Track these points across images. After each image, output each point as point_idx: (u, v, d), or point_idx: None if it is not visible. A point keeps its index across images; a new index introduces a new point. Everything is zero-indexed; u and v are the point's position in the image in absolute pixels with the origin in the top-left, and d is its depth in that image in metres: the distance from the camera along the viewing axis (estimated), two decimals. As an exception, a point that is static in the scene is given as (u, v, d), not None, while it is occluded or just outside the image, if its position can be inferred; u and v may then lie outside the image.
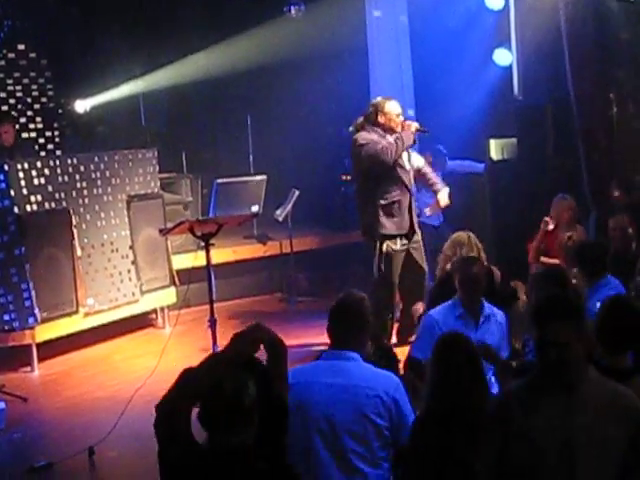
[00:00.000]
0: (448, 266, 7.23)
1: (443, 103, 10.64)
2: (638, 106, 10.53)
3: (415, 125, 8.42)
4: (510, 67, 10.73)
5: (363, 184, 8.56)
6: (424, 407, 4.79)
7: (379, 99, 8.57)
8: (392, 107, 8.43)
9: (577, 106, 10.26)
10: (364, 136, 8.36)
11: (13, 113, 12.36)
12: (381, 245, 8.41)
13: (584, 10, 10.13)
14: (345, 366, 4.63)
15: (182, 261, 10.56)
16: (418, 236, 8.66)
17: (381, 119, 8.38)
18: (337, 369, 4.63)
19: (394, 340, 8.64)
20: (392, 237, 8.44)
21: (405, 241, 8.52)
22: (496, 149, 11.15)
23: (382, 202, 8.38)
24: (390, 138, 8.35)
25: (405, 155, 8.48)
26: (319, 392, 4.51)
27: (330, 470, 4.53)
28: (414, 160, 8.70)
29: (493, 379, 5.98)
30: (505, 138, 11.07)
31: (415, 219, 8.61)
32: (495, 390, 5.53)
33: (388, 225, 8.41)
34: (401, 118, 8.45)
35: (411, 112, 11.00)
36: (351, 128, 8.56)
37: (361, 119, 8.51)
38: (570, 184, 10.14)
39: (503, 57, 10.71)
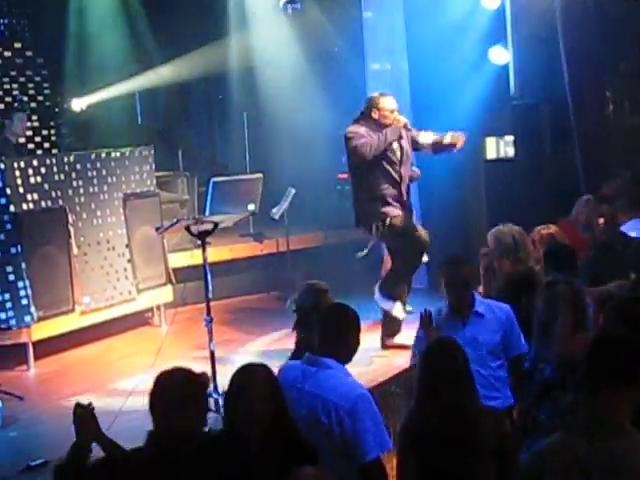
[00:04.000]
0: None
1: (439, 102, 10.62)
2: (634, 104, 10.55)
3: (404, 121, 8.42)
4: (506, 66, 10.74)
5: (354, 175, 8.58)
6: (409, 415, 4.81)
7: (375, 94, 8.58)
8: (386, 103, 8.41)
9: (573, 104, 10.27)
10: (351, 129, 8.36)
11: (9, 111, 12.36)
12: (384, 223, 8.30)
13: (580, 8, 10.15)
14: (316, 373, 4.75)
15: (178, 259, 10.57)
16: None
17: (375, 114, 8.38)
18: (308, 374, 4.78)
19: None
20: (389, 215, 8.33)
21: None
22: (492, 148, 11.16)
23: (371, 196, 8.36)
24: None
25: (396, 146, 8.41)
26: (288, 393, 4.48)
27: None
28: (422, 138, 8.63)
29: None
30: (501, 137, 11.08)
31: (413, 211, 8.59)
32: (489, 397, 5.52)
33: (382, 209, 8.31)
34: (395, 114, 8.44)
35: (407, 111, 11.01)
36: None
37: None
38: (566, 182, 10.16)
39: (499, 56, 10.71)
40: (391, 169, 8.37)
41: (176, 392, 3.99)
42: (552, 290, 5.49)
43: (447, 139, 8.49)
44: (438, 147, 8.58)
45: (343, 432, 4.56)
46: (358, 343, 4.96)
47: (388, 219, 8.27)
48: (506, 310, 6.20)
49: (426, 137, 8.63)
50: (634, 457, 3.43)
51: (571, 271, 6.54)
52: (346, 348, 4.88)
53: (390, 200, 8.31)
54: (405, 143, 8.47)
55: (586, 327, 5.35)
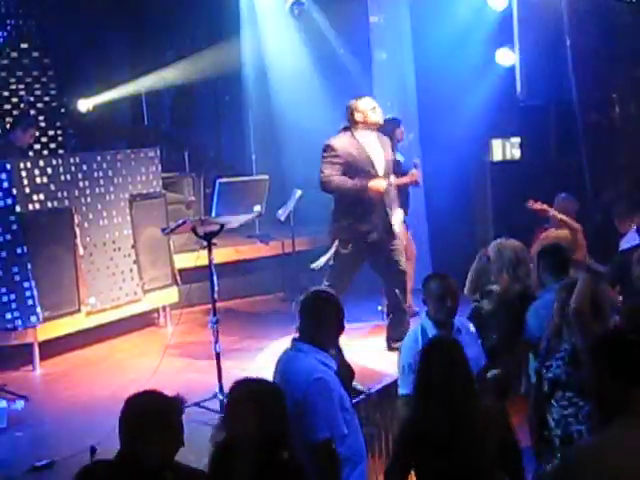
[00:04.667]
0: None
1: (446, 104, 10.63)
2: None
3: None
4: (513, 68, 10.72)
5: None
6: (409, 414, 4.82)
7: (352, 100, 8.56)
8: (365, 103, 8.45)
9: (580, 106, 10.26)
10: (331, 143, 8.38)
11: (15, 112, 12.37)
12: (334, 244, 8.48)
13: (587, 10, 10.13)
14: (292, 357, 5.16)
15: (184, 260, 10.56)
16: (395, 241, 8.58)
17: (358, 117, 8.41)
18: (287, 358, 5.20)
19: (384, 346, 8.65)
20: (344, 240, 8.43)
21: (365, 247, 8.45)
22: (499, 149, 11.16)
23: (347, 205, 8.41)
24: (367, 138, 8.38)
25: (380, 158, 8.46)
26: (275, 378, 5.09)
27: None
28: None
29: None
30: (508, 138, 11.08)
31: (395, 224, 8.57)
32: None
33: (343, 226, 8.43)
34: (378, 111, 8.45)
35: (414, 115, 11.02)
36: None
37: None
38: (573, 184, 10.15)
39: (506, 58, 10.70)
40: (368, 180, 8.35)
41: (141, 419, 3.92)
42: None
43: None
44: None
45: (298, 412, 4.76)
46: (333, 328, 5.23)
47: (335, 245, 8.44)
48: (468, 323, 6.30)
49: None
50: None
51: (564, 273, 6.58)
52: (318, 333, 5.16)
53: (354, 216, 8.38)
54: (387, 155, 8.56)
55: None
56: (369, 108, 8.43)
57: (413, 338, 6.11)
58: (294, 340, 5.23)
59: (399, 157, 9.65)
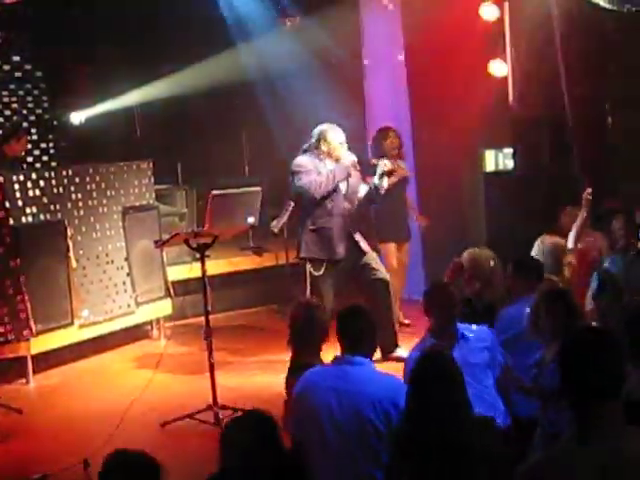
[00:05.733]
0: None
1: (438, 114, 10.64)
2: (633, 116, 10.55)
3: (352, 159, 8.51)
4: (505, 78, 10.74)
5: (296, 207, 8.70)
6: (402, 422, 4.81)
7: (324, 126, 8.63)
8: (334, 136, 8.54)
9: (572, 116, 10.27)
10: (299, 162, 8.51)
11: (7, 124, 12.35)
12: (305, 268, 8.53)
13: (578, 20, 10.15)
14: (350, 370, 4.93)
15: (177, 272, 10.56)
16: (367, 255, 8.68)
17: (324, 147, 8.53)
18: (342, 373, 4.93)
19: (378, 356, 8.63)
20: (316, 261, 8.49)
21: (337, 266, 8.52)
22: (491, 160, 11.16)
23: (311, 227, 8.51)
24: (328, 164, 8.46)
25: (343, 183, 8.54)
26: (324, 396, 4.80)
27: (342, 473, 4.75)
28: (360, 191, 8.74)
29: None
30: (500, 149, 11.09)
31: (361, 242, 8.65)
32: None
33: (312, 249, 8.50)
34: (344, 147, 8.55)
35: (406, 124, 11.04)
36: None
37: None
38: (565, 195, 10.15)
39: (498, 68, 10.72)
40: (334, 202, 8.48)
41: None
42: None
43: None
44: (375, 191, 8.65)
45: (390, 425, 4.70)
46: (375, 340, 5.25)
47: (307, 268, 8.47)
48: (486, 330, 6.17)
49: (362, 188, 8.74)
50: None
51: (537, 282, 6.62)
52: (370, 345, 5.14)
53: (323, 238, 8.46)
54: (353, 180, 8.61)
55: None
56: (337, 142, 8.53)
57: (419, 349, 6.09)
58: (341, 355, 5.12)
59: (402, 164, 9.76)
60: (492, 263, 7.25)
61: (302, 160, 8.52)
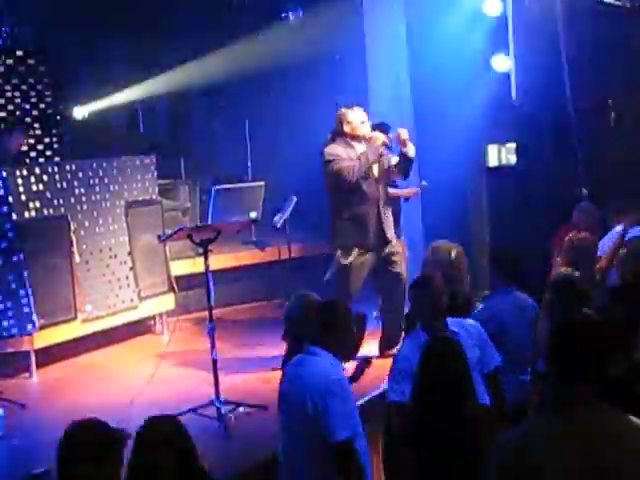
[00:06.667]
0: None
1: (441, 109, 10.63)
2: (636, 112, 10.55)
3: (382, 138, 8.48)
4: (508, 73, 10.73)
5: (330, 197, 8.67)
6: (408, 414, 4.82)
7: (343, 109, 8.63)
8: (355, 116, 8.52)
9: (575, 112, 10.27)
10: (330, 150, 8.49)
11: (11, 119, 12.38)
12: (336, 256, 8.54)
13: (581, 16, 10.15)
14: (304, 360, 5.25)
15: (180, 267, 10.57)
16: (394, 247, 8.65)
17: (347, 128, 8.50)
18: (299, 362, 5.30)
19: (376, 352, 8.62)
20: (346, 248, 8.48)
21: (366, 256, 8.50)
22: (494, 155, 11.16)
23: (345, 215, 8.48)
24: (358, 148, 8.43)
25: (375, 166, 8.51)
26: (288, 379, 5.30)
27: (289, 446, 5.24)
28: (392, 161, 8.70)
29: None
30: (503, 144, 11.08)
31: (388, 230, 8.60)
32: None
33: (344, 235, 8.50)
34: (367, 126, 8.54)
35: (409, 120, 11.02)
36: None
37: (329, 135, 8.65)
38: (568, 189, 10.15)
39: (501, 63, 10.72)
40: (369, 188, 8.45)
41: (80, 448, 3.85)
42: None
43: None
44: (403, 159, 8.58)
45: (316, 413, 4.96)
46: (349, 336, 5.40)
47: (337, 255, 8.51)
48: (476, 326, 6.09)
49: (392, 159, 8.69)
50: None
51: (515, 281, 6.64)
52: (334, 340, 5.25)
53: (357, 225, 8.44)
54: (385, 160, 8.58)
55: None
56: (359, 121, 8.51)
57: (409, 345, 6.05)
58: (307, 345, 5.31)
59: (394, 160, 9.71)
60: (453, 255, 7.22)
61: (333, 148, 8.47)
